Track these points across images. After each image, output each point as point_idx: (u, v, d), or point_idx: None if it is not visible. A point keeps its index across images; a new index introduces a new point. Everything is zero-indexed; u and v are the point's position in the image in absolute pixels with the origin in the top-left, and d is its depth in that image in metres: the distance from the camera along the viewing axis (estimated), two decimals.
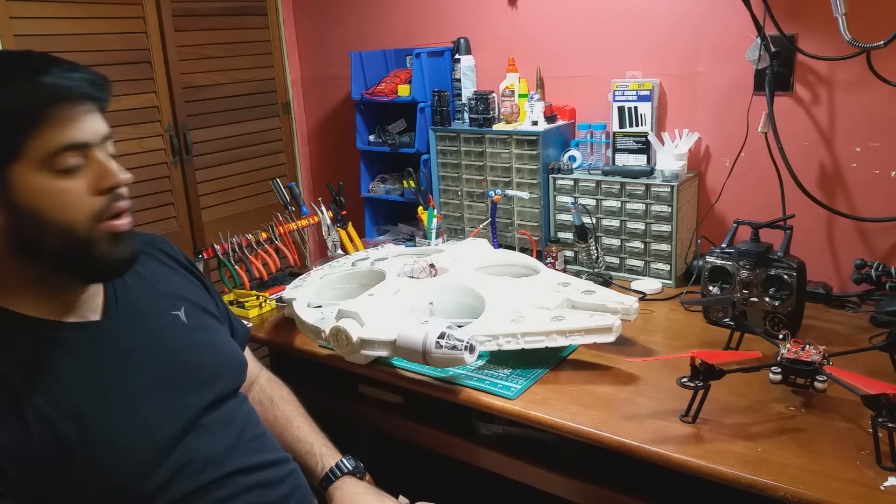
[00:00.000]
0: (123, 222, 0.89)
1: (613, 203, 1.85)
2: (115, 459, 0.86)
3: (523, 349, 1.35)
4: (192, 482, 0.91)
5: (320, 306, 1.58)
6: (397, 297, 1.49)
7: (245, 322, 1.70)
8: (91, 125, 0.86)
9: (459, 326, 1.33)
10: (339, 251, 2.02)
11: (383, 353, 1.35)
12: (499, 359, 1.41)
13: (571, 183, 1.90)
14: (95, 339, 0.91)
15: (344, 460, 1.15)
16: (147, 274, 1.04)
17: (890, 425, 1.02)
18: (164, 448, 0.90)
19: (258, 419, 1.09)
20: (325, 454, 1.15)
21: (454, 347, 1.25)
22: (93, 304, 0.94)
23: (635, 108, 1.87)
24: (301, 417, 1.21)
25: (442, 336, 1.26)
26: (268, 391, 1.25)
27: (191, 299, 1.08)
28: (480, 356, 1.39)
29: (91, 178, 0.85)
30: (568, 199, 1.88)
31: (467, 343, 1.26)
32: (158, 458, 0.89)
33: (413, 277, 1.60)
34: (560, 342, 1.35)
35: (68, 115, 0.83)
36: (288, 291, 1.65)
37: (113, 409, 0.88)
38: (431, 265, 1.63)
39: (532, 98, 1.96)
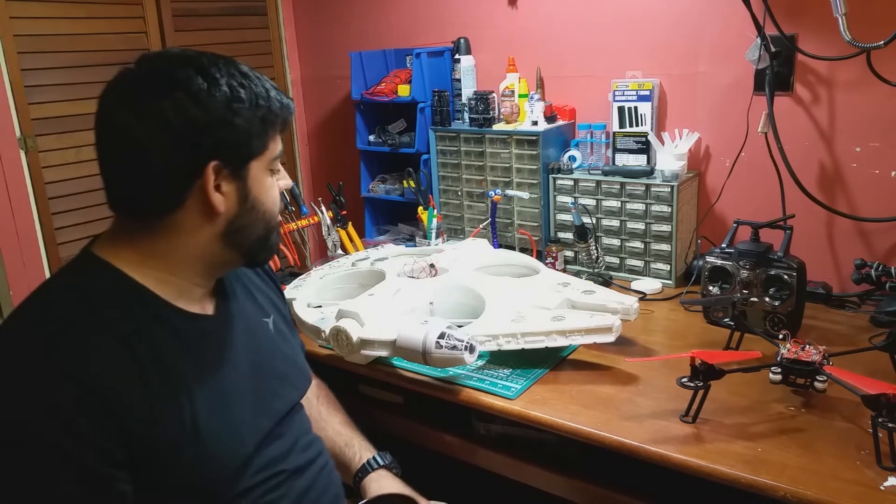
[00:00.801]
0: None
1: (613, 203, 1.85)
2: (214, 456, 0.88)
3: (523, 349, 1.35)
4: (255, 478, 0.94)
5: (320, 306, 1.58)
6: (397, 297, 1.49)
7: None
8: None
9: (459, 326, 1.33)
10: (339, 251, 2.02)
11: (383, 353, 1.35)
12: (499, 359, 1.41)
13: (571, 183, 1.90)
14: (209, 332, 0.95)
15: (379, 455, 1.20)
16: (245, 279, 1.08)
17: (890, 425, 1.02)
18: (252, 452, 0.94)
19: (310, 425, 1.12)
20: (363, 447, 1.22)
21: (454, 347, 1.25)
22: (210, 299, 0.98)
23: (635, 108, 1.87)
24: (342, 413, 1.29)
25: (442, 336, 1.26)
26: (315, 389, 1.29)
27: (278, 309, 1.13)
28: (480, 356, 1.39)
29: (278, 180, 0.97)
30: (568, 199, 1.88)
31: (467, 343, 1.25)
32: (246, 462, 0.93)
33: (413, 277, 1.60)
34: (560, 342, 1.34)
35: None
36: (288, 291, 1.65)
37: (218, 405, 0.91)
38: (431, 265, 1.63)
39: (532, 98, 1.96)
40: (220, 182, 0.87)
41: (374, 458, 1.19)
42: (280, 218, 1.00)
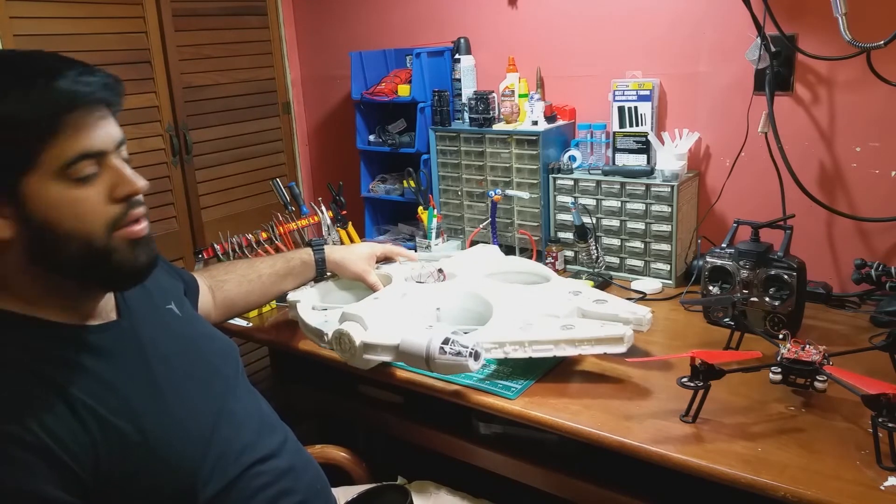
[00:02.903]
0: (140, 227, 0.88)
1: (613, 203, 1.85)
2: (174, 451, 0.87)
3: (531, 358, 1.31)
4: (235, 467, 0.93)
5: (326, 309, 1.56)
6: (403, 301, 1.47)
7: (246, 321, 1.70)
8: (106, 131, 0.84)
9: (465, 333, 1.30)
10: None
11: (386, 357, 1.33)
12: (506, 366, 1.39)
13: (571, 183, 1.90)
14: (121, 338, 0.92)
15: (311, 243, 1.52)
16: None
17: (890, 425, 1.02)
18: (208, 436, 0.92)
19: (268, 405, 1.11)
20: (294, 253, 1.52)
21: (458, 354, 1.22)
22: (109, 304, 0.95)
23: (635, 107, 1.87)
24: (250, 266, 1.46)
25: (446, 342, 1.23)
26: (216, 277, 1.39)
27: (173, 291, 1.11)
28: (487, 363, 1.36)
29: (107, 185, 0.84)
30: (568, 199, 1.87)
31: (472, 350, 1.22)
32: (206, 446, 0.91)
33: (421, 282, 1.57)
34: (569, 352, 1.30)
35: (84, 122, 0.81)
36: (292, 293, 1.63)
37: (159, 402, 0.89)
38: (440, 270, 1.60)
39: (532, 98, 1.96)
40: None
41: (309, 245, 1.42)
42: (138, 230, 0.88)
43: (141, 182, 0.87)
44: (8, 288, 0.85)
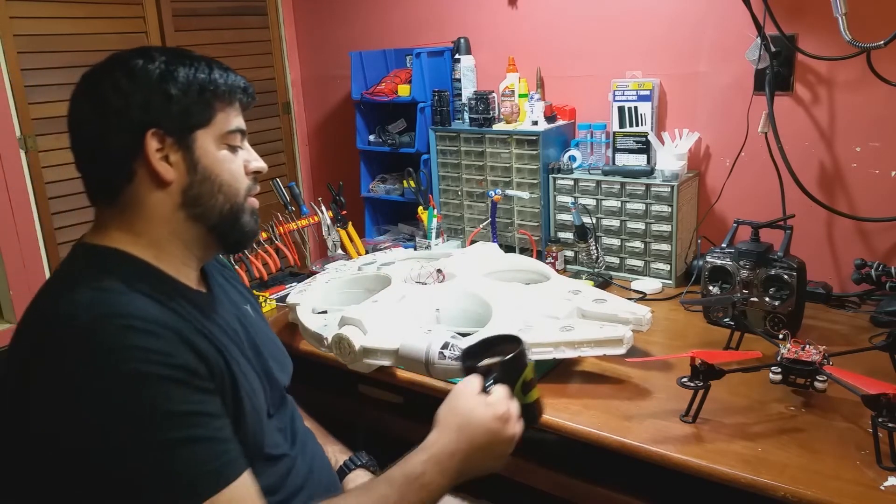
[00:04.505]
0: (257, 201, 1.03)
1: (613, 203, 1.85)
2: (252, 422, 0.92)
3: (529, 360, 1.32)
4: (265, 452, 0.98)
5: (325, 311, 1.56)
6: (402, 303, 1.46)
7: None
8: (243, 120, 1.01)
9: (464, 335, 1.30)
10: (339, 251, 2.02)
11: (386, 362, 1.33)
12: None
13: (571, 183, 1.90)
14: (213, 307, 0.98)
15: (356, 455, 1.22)
16: (221, 270, 1.12)
17: (890, 425, 1.02)
18: (266, 422, 0.99)
19: (298, 412, 1.16)
20: (337, 451, 1.24)
21: (458, 358, 1.22)
22: (201, 280, 1.02)
23: (635, 107, 1.87)
24: (309, 420, 1.28)
25: (445, 346, 1.23)
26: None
27: (250, 297, 1.16)
28: None
29: (243, 160, 0.99)
30: (568, 199, 1.88)
31: None
32: (265, 431, 0.97)
33: (420, 283, 1.57)
34: (569, 354, 1.31)
35: (239, 106, 0.99)
36: (292, 296, 1.62)
37: (243, 373, 0.94)
38: (439, 270, 1.60)
39: (532, 98, 1.96)
40: (168, 152, 0.90)
41: (350, 459, 1.21)
42: (256, 203, 1.01)
43: (264, 164, 1.02)
44: (142, 235, 0.92)
